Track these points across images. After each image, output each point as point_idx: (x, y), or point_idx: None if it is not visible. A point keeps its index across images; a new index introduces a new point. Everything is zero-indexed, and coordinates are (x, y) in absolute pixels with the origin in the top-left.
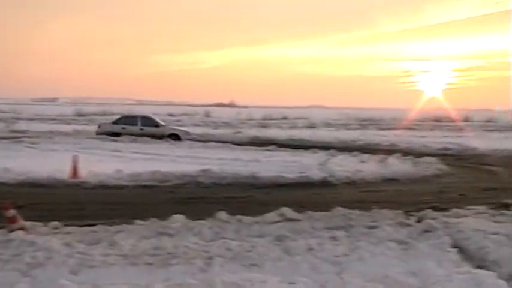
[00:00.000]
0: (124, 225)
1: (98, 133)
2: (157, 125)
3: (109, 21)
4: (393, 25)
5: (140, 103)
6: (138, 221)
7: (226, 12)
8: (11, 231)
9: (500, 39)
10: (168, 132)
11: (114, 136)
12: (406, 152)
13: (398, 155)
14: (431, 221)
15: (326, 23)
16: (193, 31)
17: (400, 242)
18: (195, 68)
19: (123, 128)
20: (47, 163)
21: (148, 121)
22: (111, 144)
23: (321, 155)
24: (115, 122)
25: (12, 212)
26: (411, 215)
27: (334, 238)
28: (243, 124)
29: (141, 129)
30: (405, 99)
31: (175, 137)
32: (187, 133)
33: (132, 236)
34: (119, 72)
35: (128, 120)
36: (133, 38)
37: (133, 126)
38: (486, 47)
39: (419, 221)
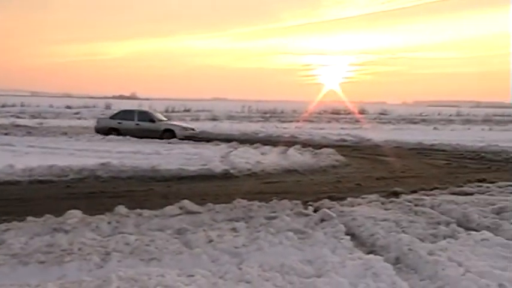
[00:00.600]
0: (14, 222)
1: (97, 129)
2: (152, 120)
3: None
4: (294, 20)
5: (34, 95)
6: (31, 218)
7: (130, 2)
8: None
9: (391, 36)
10: (162, 128)
11: (112, 132)
12: (306, 144)
13: (298, 146)
14: (328, 210)
15: (229, 16)
16: (95, 21)
17: (298, 232)
18: (96, 59)
19: (120, 123)
20: None
21: (144, 116)
22: (3, 138)
23: (223, 147)
24: (112, 117)
25: None
26: (309, 205)
27: (234, 229)
28: None
29: (137, 124)
30: (305, 92)
31: (169, 133)
32: (184, 129)
33: (23, 234)
34: (11, 62)
35: (125, 115)
36: (27, 26)
37: (130, 121)
38: (379, 43)
39: (316, 210)
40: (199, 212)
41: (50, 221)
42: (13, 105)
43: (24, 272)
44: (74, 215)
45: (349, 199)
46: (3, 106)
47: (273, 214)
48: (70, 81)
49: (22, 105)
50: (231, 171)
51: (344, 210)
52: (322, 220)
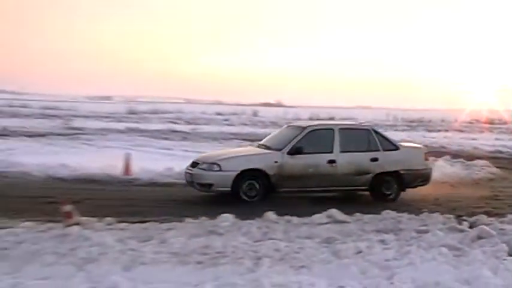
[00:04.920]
0: (174, 223)
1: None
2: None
3: (160, 21)
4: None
5: (189, 102)
6: (189, 219)
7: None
8: (67, 226)
9: None
10: None
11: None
12: (456, 155)
13: (447, 157)
14: (486, 227)
15: (377, 25)
16: (242, 35)
17: (452, 248)
18: (246, 68)
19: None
20: (101, 159)
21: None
22: (162, 142)
23: None
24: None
25: (68, 208)
26: (463, 220)
27: (383, 241)
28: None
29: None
30: (455, 100)
31: None
32: None
33: (182, 234)
34: (168, 72)
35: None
36: (182, 40)
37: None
38: None
39: (471, 226)
40: (347, 222)
41: (205, 223)
42: (170, 112)
43: (183, 271)
44: (227, 219)
45: (510, 216)
46: (163, 112)
47: (424, 227)
48: (221, 89)
49: (178, 112)
50: None
51: (505, 228)
52: (480, 237)
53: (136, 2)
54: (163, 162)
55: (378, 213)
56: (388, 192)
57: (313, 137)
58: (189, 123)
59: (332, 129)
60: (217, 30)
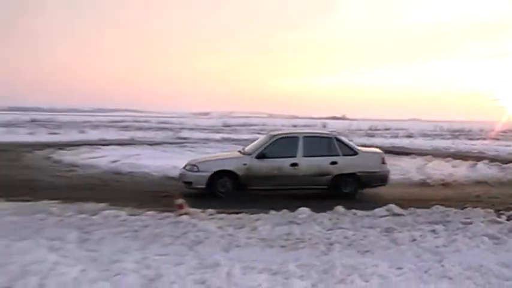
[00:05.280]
0: (262, 214)
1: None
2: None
3: (251, 50)
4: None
5: (271, 116)
6: (273, 212)
7: (336, 45)
8: (179, 215)
9: None
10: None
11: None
12: (493, 159)
13: (486, 161)
14: None
15: (420, 50)
16: (314, 60)
17: (492, 237)
18: (316, 88)
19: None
20: None
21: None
22: None
23: (418, 160)
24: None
25: (180, 200)
26: (501, 214)
27: (434, 231)
28: (353, 134)
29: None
30: (491, 113)
31: None
32: None
33: (268, 223)
34: (254, 92)
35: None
36: (265, 65)
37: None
38: None
39: (509, 219)
40: (403, 215)
41: (286, 215)
42: (256, 124)
43: (270, 253)
44: (304, 212)
45: None
46: (251, 125)
47: (468, 220)
48: (296, 105)
49: (263, 124)
50: (427, 180)
51: None
52: None
53: (232, 38)
54: None
55: (428, 207)
56: (347, 191)
57: (280, 144)
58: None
59: (297, 137)
60: (292, 58)
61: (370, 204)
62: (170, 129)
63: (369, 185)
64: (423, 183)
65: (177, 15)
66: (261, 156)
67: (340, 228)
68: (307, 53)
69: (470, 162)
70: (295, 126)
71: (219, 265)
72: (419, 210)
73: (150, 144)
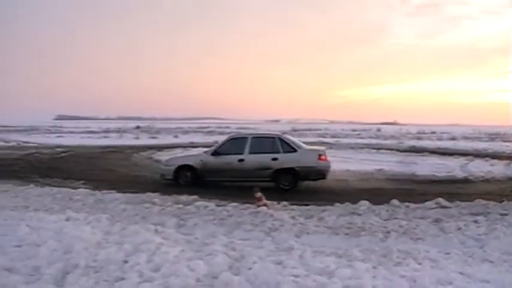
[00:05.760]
0: (327, 206)
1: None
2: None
3: (316, 65)
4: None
5: (332, 122)
6: (337, 204)
7: (387, 60)
8: (258, 206)
9: None
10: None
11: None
12: None
13: None
14: None
15: (458, 64)
16: (369, 74)
17: None
18: (371, 98)
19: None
20: None
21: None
22: None
23: (461, 159)
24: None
25: (259, 194)
26: None
27: (476, 222)
28: (403, 137)
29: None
30: None
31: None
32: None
33: (333, 214)
34: (317, 101)
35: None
36: (326, 78)
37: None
38: None
39: None
40: (449, 207)
41: (348, 207)
42: (319, 130)
43: (336, 239)
44: (364, 204)
45: None
46: (315, 130)
47: (505, 212)
48: (353, 112)
49: (325, 129)
50: (469, 177)
51: None
52: None
53: (302, 53)
54: None
55: (471, 201)
56: (286, 183)
57: (232, 143)
58: (333, 137)
59: (246, 138)
60: (352, 71)
61: (421, 198)
62: None
63: (307, 178)
64: (466, 180)
65: (255, 32)
66: (215, 153)
67: (396, 218)
68: (364, 67)
69: (506, 162)
70: (353, 130)
71: (293, 249)
72: (463, 203)
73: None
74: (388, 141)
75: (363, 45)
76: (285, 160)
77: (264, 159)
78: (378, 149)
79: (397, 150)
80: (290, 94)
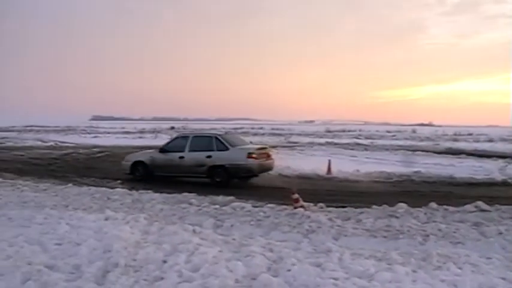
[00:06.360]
0: (365, 208)
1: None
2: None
3: (347, 68)
4: None
5: (366, 123)
6: (374, 206)
7: (422, 60)
8: (295, 208)
9: None
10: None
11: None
12: None
13: None
14: None
15: (496, 64)
16: (404, 74)
17: None
18: (405, 99)
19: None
20: (311, 163)
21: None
22: (350, 152)
23: (499, 162)
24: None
25: (296, 195)
26: None
27: None
28: (439, 138)
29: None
30: None
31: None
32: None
33: (371, 216)
34: (352, 102)
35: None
36: (362, 79)
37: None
38: None
39: None
40: (489, 211)
41: (386, 209)
42: (354, 131)
43: (374, 242)
44: (401, 207)
45: None
46: (349, 131)
47: None
48: (388, 113)
49: (359, 131)
50: (508, 180)
51: None
52: None
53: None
54: (352, 165)
55: (511, 204)
56: (219, 179)
57: (177, 141)
58: (367, 138)
59: (188, 136)
60: (387, 72)
61: (459, 201)
62: (281, 135)
63: (237, 175)
64: (505, 183)
65: (290, 32)
66: (162, 150)
67: (434, 221)
68: (400, 67)
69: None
70: (388, 132)
71: (331, 251)
72: (503, 207)
73: None
74: (423, 143)
75: (398, 45)
76: (218, 158)
77: (200, 156)
78: (414, 150)
79: (434, 152)
80: (324, 95)
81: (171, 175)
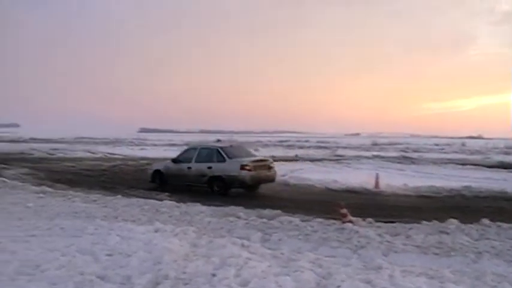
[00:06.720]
0: (414, 224)
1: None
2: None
3: (393, 79)
4: None
5: (413, 136)
6: (424, 222)
7: (471, 71)
8: (344, 222)
9: None
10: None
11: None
12: None
13: None
14: None
15: None
16: (452, 85)
17: None
18: (453, 111)
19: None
20: (358, 177)
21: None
22: (397, 166)
23: None
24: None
25: (344, 210)
26: None
27: None
28: (490, 152)
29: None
30: None
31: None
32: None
33: (421, 232)
34: (399, 115)
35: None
36: (409, 91)
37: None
38: None
39: None
40: None
41: (436, 225)
42: (400, 144)
43: (425, 259)
44: (452, 223)
45: None
46: (396, 144)
47: None
48: (435, 126)
49: (406, 143)
50: None
51: None
52: None
53: (379, 68)
54: (400, 179)
55: None
56: (217, 189)
57: (187, 153)
58: (415, 151)
59: (196, 148)
60: (435, 84)
61: None
62: (327, 148)
63: (232, 185)
64: None
65: (334, 44)
66: (175, 161)
67: (487, 238)
68: (448, 79)
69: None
70: (436, 145)
71: (381, 268)
72: None
73: (311, 161)
74: (473, 156)
75: (446, 55)
76: (216, 169)
77: (203, 167)
78: (463, 164)
79: (484, 165)
80: (370, 107)
81: (181, 183)
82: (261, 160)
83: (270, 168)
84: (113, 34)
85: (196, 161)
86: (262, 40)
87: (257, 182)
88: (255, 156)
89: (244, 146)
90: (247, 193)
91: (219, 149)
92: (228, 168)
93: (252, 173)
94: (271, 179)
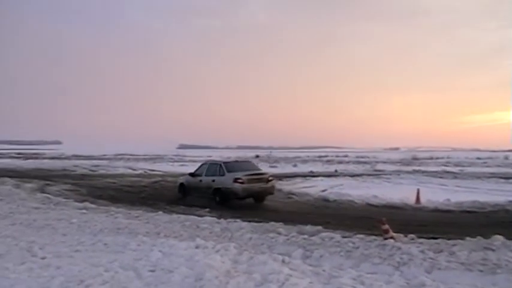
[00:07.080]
0: (458, 240)
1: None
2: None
3: (432, 93)
4: None
5: (454, 149)
6: (468, 238)
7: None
8: (385, 239)
9: None
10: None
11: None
12: None
13: None
14: None
15: None
16: (492, 98)
17: None
18: (496, 123)
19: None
20: (398, 192)
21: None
22: (439, 180)
23: None
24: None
25: (386, 226)
26: None
27: None
28: None
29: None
30: None
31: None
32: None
33: (465, 249)
34: (438, 128)
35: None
36: (449, 105)
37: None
38: None
39: None
40: None
41: (481, 242)
42: (441, 158)
43: (470, 276)
44: (497, 239)
45: None
46: (436, 158)
47: None
48: (477, 139)
49: (447, 157)
50: None
51: None
52: None
53: (417, 81)
54: (441, 195)
55: None
56: (219, 199)
57: (201, 167)
58: (456, 165)
59: (207, 163)
60: (473, 96)
61: None
62: (367, 163)
63: (229, 197)
64: None
65: (373, 58)
66: (192, 175)
67: None
68: (487, 91)
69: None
70: (478, 158)
71: (425, 285)
72: None
73: (351, 176)
74: None
75: (485, 67)
76: (218, 182)
77: (209, 180)
78: (507, 178)
79: None
80: (409, 121)
81: (197, 195)
82: (257, 174)
83: (267, 181)
84: (152, 52)
85: (205, 175)
86: (300, 56)
87: (249, 194)
88: (254, 170)
89: (252, 162)
90: (285, 208)
91: (222, 164)
92: (225, 181)
93: (245, 185)
94: (269, 192)
